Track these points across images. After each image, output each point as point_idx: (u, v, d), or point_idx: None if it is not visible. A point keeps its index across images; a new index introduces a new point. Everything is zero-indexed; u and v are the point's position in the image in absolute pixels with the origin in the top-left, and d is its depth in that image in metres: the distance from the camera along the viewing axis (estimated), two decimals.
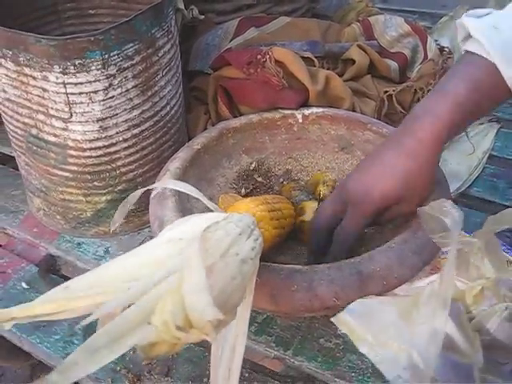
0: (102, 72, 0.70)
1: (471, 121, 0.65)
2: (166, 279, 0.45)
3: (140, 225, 0.86)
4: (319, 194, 0.79)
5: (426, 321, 0.46)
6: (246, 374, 0.68)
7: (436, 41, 1.22)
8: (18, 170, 0.91)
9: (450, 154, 1.01)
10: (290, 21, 1.01)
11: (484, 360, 0.46)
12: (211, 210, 0.63)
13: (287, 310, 0.60)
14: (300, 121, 0.85)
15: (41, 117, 0.75)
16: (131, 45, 0.71)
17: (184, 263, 0.45)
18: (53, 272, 0.85)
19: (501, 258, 0.52)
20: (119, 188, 0.81)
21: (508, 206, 0.92)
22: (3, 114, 0.82)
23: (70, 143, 0.76)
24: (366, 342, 0.48)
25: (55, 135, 0.76)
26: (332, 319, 0.49)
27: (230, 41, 0.97)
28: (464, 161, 1.00)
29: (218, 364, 0.48)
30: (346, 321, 0.49)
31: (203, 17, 0.94)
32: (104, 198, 0.82)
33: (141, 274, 0.47)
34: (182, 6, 0.92)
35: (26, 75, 0.72)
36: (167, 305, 0.41)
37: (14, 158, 0.90)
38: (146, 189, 0.65)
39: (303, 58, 0.89)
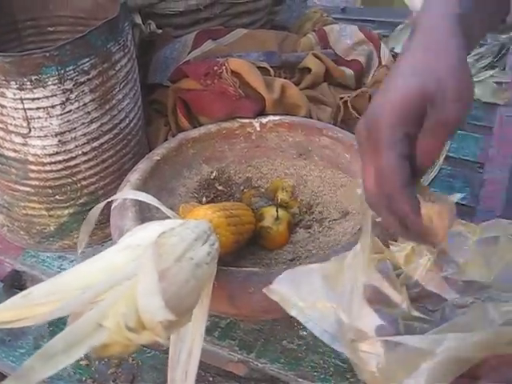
0: (59, 87, 0.71)
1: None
2: (122, 284, 0.46)
3: (103, 237, 0.86)
4: (277, 200, 0.81)
5: (349, 280, 0.49)
6: (211, 379, 0.69)
7: (393, 48, 1.25)
8: None
9: None
10: (246, 32, 1.03)
11: (415, 309, 0.49)
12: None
13: (246, 312, 0.61)
14: (258, 129, 0.87)
15: (0, 133, 0.76)
16: (87, 59, 0.72)
17: (139, 268, 0.47)
18: (18, 287, 0.85)
19: None
20: (81, 201, 0.82)
21: (464, 205, 0.95)
22: None
23: (30, 158, 0.77)
24: (295, 306, 0.51)
25: (15, 151, 0.77)
26: (263, 290, 0.52)
27: (188, 53, 0.98)
28: None
29: (176, 367, 0.50)
30: (276, 290, 0.52)
31: (161, 31, 0.96)
32: (66, 212, 0.82)
33: (98, 279, 0.48)
34: (139, 21, 0.94)
35: None
36: (120, 308, 0.42)
37: None
38: (106, 202, 0.67)
39: (259, 67, 0.91)
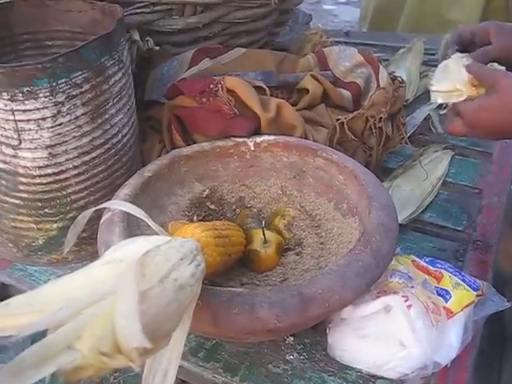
0: (50, 99, 0.71)
1: None
2: (100, 302, 0.45)
3: (93, 253, 0.85)
4: (274, 225, 0.80)
5: None
6: None
7: (393, 72, 1.25)
8: None
9: (404, 181, 1.03)
10: (245, 52, 1.03)
11: None
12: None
13: (229, 332, 0.60)
14: (252, 148, 0.86)
15: None
16: (80, 73, 0.72)
17: (119, 287, 0.46)
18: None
19: None
20: (70, 215, 0.81)
21: (460, 231, 0.94)
22: None
23: (20, 170, 0.76)
24: None
25: (5, 162, 0.76)
26: None
27: (185, 71, 0.98)
28: (418, 187, 1.02)
29: None
30: None
31: (158, 48, 0.96)
32: (55, 226, 0.81)
33: (77, 294, 0.47)
34: (137, 37, 0.94)
35: None
36: (96, 329, 0.41)
37: None
38: (95, 209, 0.66)
39: (256, 87, 0.91)
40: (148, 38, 0.96)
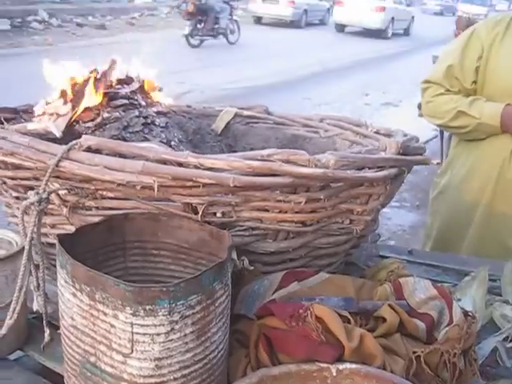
0: (167, 318, 0.80)
1: None
2: None
3: None
4: None
5: None
6: None
7: (459, 300, 1.31)
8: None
9: None
10: (328, 277, 1.13)
11: None
12: None
13: None
14: (334, 374, 0.92)
15: (102, 348, 0.84)
16: (195, 296, 0.82)
17: None
18: None
19: None
20: None
21: None
22: (64, 338, 0.91)
23: (126, 376, 0.83)
24: None
25: (112, 366, 0.84)
26: None
27: (274, 292, 1.08)
28: None
29: None
30: None
31: (252, 268, 1.06)
32: None
33: None
34: (235, 256, 1.05)
35: (97, 310, 0.82)
36: None
37: (52, 370, 0.97)
38: None
39: (340, 315, 0.99)
40: (243, 258, 1.06)
